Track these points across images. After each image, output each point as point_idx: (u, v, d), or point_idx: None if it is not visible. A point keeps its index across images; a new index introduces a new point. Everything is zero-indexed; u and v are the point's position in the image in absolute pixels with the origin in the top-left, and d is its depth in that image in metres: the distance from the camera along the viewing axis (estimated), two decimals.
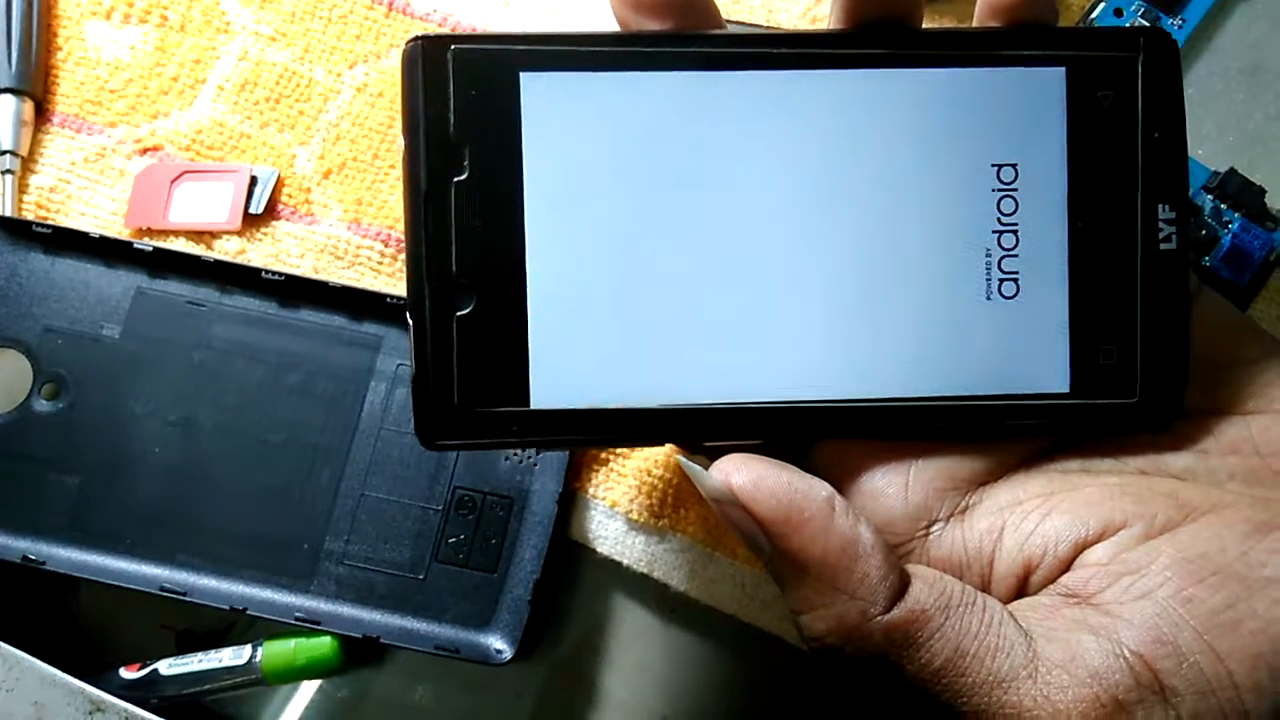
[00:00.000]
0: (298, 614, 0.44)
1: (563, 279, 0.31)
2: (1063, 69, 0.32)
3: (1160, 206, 0.32)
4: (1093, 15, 0.49)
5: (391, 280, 0.48)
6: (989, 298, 0.32)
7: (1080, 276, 0.32)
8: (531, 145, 0.31)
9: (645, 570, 0.46)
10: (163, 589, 0.44)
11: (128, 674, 0.45)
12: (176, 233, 0.48)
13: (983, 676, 0.28)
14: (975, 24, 0.33)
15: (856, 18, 0.32)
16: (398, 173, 0.48)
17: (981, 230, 0.32)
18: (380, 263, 0.48)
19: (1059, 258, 0.32)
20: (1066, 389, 0.32)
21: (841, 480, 0.32)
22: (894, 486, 0.32)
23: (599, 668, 0.47)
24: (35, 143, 0.49)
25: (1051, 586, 0.30)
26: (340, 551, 0.45)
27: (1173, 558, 0.28)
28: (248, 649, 0.45)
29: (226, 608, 0.44)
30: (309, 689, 0.47)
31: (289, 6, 0.50)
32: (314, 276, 0.46)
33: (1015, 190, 0.32)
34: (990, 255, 0.32)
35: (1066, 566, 0.30)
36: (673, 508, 0.46)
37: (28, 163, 0.49)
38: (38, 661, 0.41)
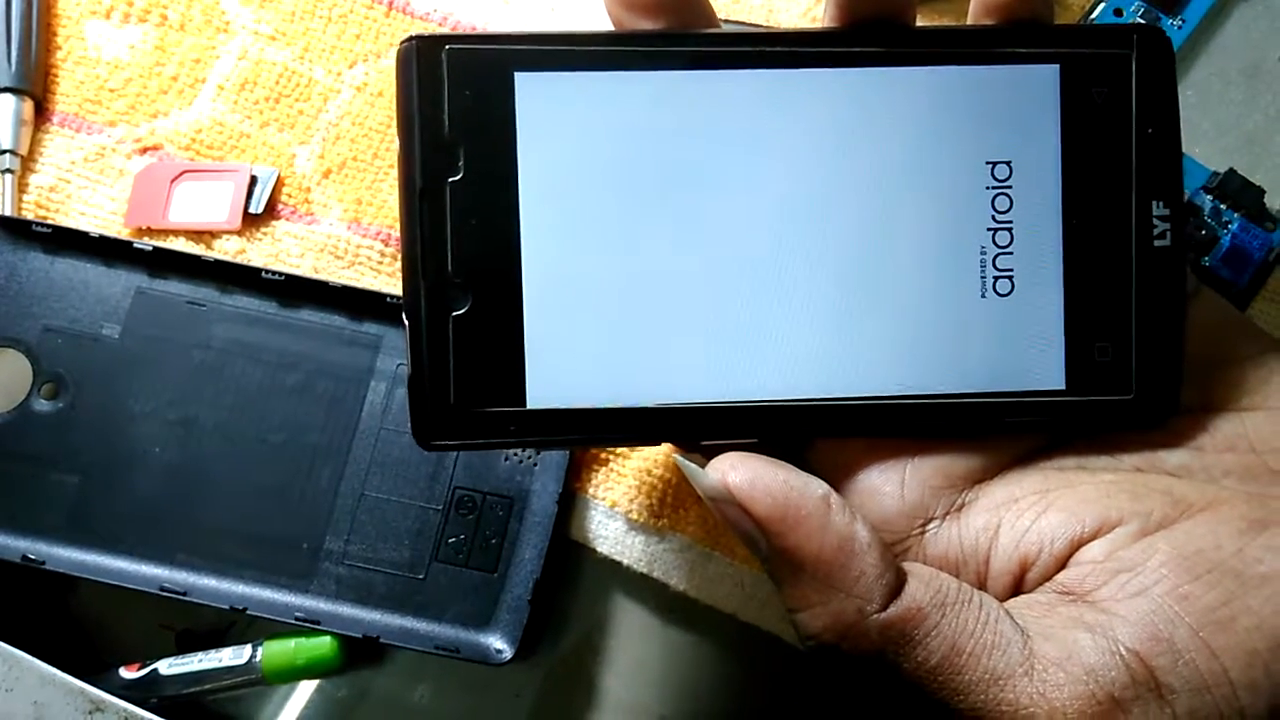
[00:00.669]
0: (298, 614, 0.44)
1: (558, 278, 0.31)
2: (1057, 66, 0.32)
3: (1155, 203, 0.32)
4: (1092, 16, 0.49)
5: (391, 280, 0.48)
6: (984, 295, 0.32)
7: (1075, 274, 0.32)
8: (526, 144, 0.31)
9: (645, 570, 0.46)
10: (162, 589, 0.44)
11: (127, 674, 0.45)
12: (176, 232, 0.48)
13: (979, 674, 0.28)
14: (970, 22, 0.33)
15: (851, 16, 0.32)
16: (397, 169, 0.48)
17: (976, 228, 0.32)
18: (380, 262, 0.48)
19: (1054, 255, 0.32)
20: (1062, 386, 0.32)
21: (838, 478, 0.32)
22: (890, 484, 0.32)
23: (599, 667, 0.47)
24: (35, 142, 0.49)
25: (1048, 584, 0.30)
26: (340, 551, 0.45)
27: (1168, 555, 0.28)
28: (248, 649, 0.45)
29: (226, 607, 0.44)
30: (309, 689, 0.47)
31: (289, 6, 0.50)
32: (314, 276, 0.46)
33: (1010, 188, 0.32)
34: (985, 253, 0.32)
35: (1062, 564, 0.30)
36: (672, 508, 0.46)
37: (27, 162, 0.49)
38: (37, 661, 0.41)
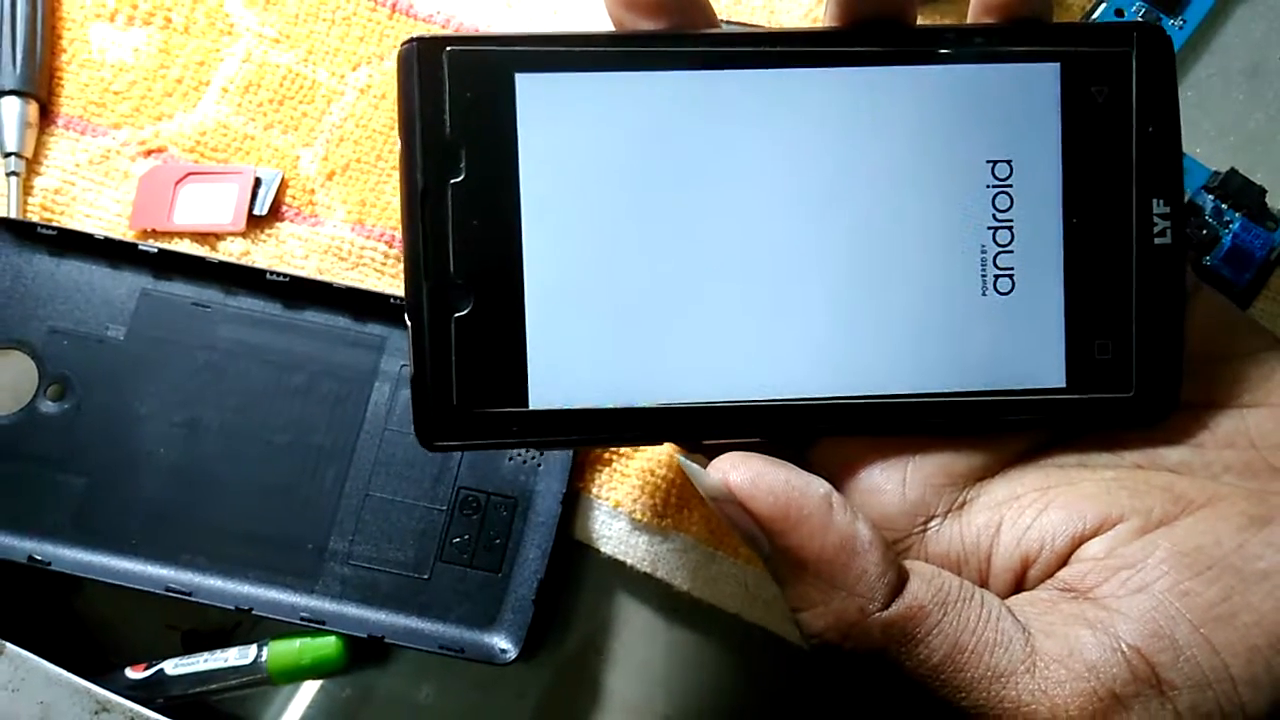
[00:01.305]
0: (303, 614, 0.44)
1: (560, 279, 0.31)
2: (1057, 64, 0.32)
3: (1155, 201, 0.32)
4: (1094, 16, 0.49)
5: (395, 281, 0.48)
6: (984, 294, 0.32)
7: (1075, 272, 0.32)
8: (527, 145, 0.31)
9: (649, 570, 0.46)
10: (168, 589, 0.44)
11: (133, 674, 0.45)
12: (181, 234, 0.48)
13: (981, 671, 0.28)
14: (970, 21, 0.33)
15: (851, 16, 0.32)
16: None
17: (977, 226, 0.32)
18: (384, 264, 0.48)
19: (1054, 253, 0.32)
20: (1063, 384, 0.32)
21: (839, 477, 0.32)
22: (891, 483, 0.32)
23: (603, 667, 0.47)
24: (40, 145, 0.49)
25: (1049, 581, 0.30)
26: (345, 551, 0.45)
27: (1169, 551, 0.29)
28: (253, 649, 0.45)
29: (232, 608, 0.44)
30: (314, 688, 0.47)
31: (292, 8, 0.51)
32: (318, 278, 0.46)
33: (1010, 186, 0.32)
34: (985, 251, 0.32)
35: (1064, 561, 0.30)
36: (676, 508, 0.46)
37: (33, 164, 0.49)
38: (43, 661, 0.41)
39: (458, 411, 0.31)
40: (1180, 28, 0.49)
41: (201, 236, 0.48)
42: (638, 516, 0.46)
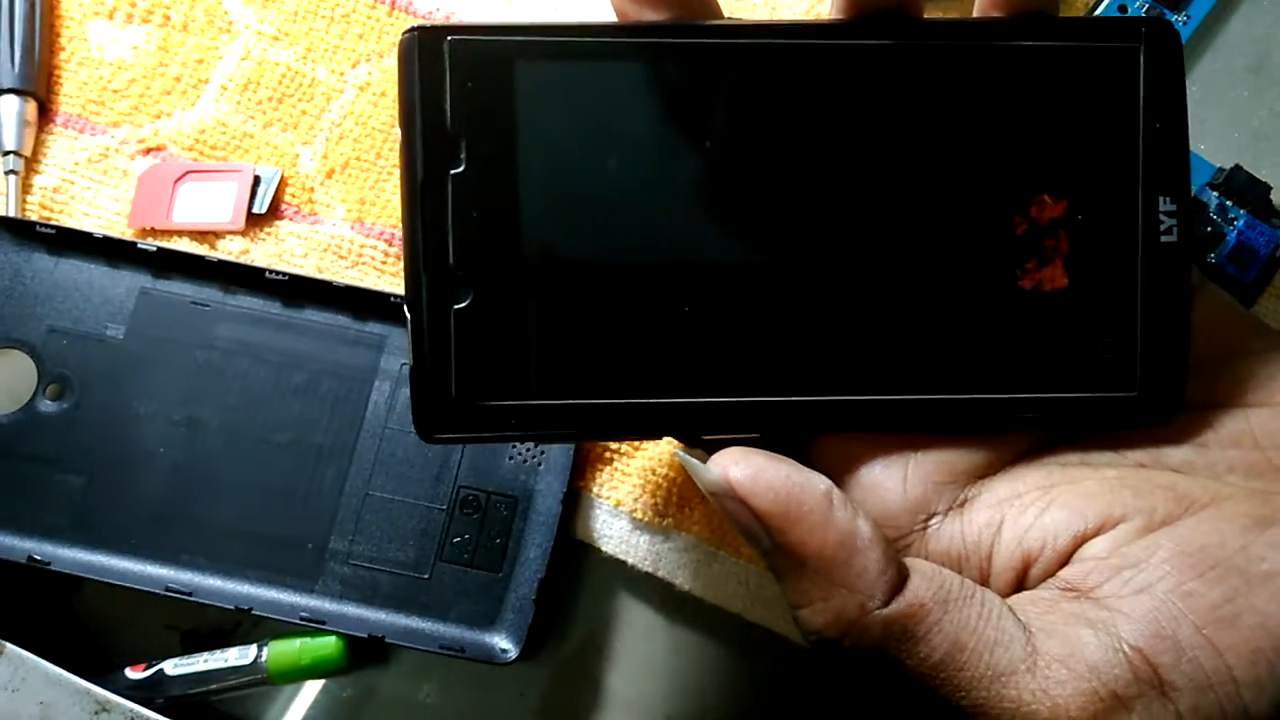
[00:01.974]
0: (303, 614, 0.44)
1: (560, 271, 0.31)
2: (1063, 60, 0.32)
3: (1161, 199, 0.32)
4: (1097, 11, 0.49)
5: (395, 279, 0.48)
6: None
7: (1080, 269, 0.32)
8: (528, 136, 0.31)
9: (650, 569, 0.46)
10: (168, 589, 0.44)
11: (133, 674, 0.45)
12: (180, 233, 0.48)
13: (981, 670, 0.27)
14: (976, 14, 0.33)
15: (858, 9, 0.32)
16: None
17: (986, 227, 0.32)
18: (384, 262, 0.48)
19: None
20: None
21: (840, 473, 0.32)
22: (892, 480, 0.32)
23: (603, 667, 0.47)
24: (39, 143, 0.49)
25: (1051, 580, 0.30)
26: (345, 551, 0.45)
27: (1172, 552, 0.28)
28: (253, 649, 0.45)
29: (232, 607, 0.44)
30: (314, 688, 0.47)
31: (291, 6, 0.50)
32: (318, 276, 0.46)
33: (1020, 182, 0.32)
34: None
35: (1065, 560, 0.30)
36: (677, 506, 0.46)
37: (31, 163, 0.49)
38: (43, 661, 0.41)
39: (457, 404, 0.31)
40: (1184, 23, 0.49)
41: (201, 235, 0.48)
42: (639, 515, 0.46)
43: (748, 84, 0.31)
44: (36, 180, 0.49)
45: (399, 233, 0.48)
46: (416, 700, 0.47)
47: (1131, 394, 0.32)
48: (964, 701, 0.28)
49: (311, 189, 0.49)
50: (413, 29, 0.31)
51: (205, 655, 0.45)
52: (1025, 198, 0.32)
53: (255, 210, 0.48)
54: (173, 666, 0.45)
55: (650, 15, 0.32)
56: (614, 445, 0.46)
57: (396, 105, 0.32)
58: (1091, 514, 0.30)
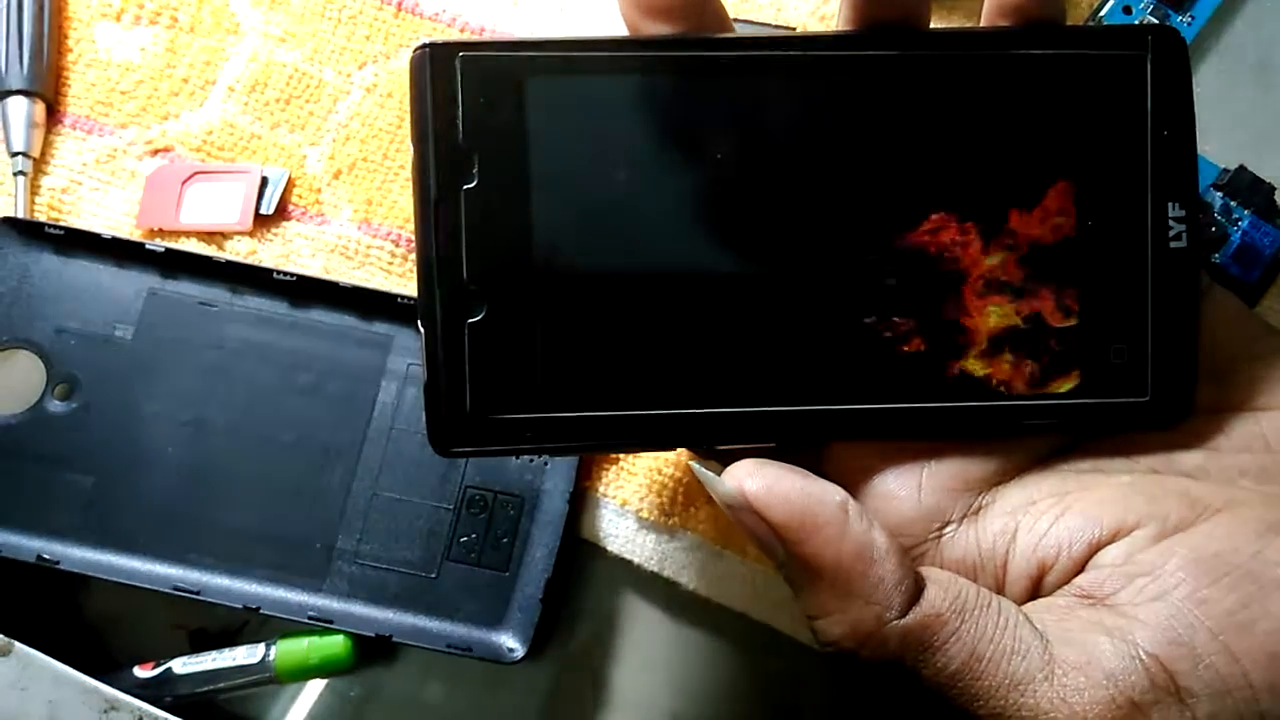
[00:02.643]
0: (311, 613, 0.44)
1: (573, 284, 0.31)
2: (1072, 68, 0.32)
3: (1170, 205, 0.32)
4: (1101, 12, 0.49)
5: (402, 280, 0.48)
6: None
7: (1090, 276, 0.32)
8: (540, 151, 0.31)
9: (656, 568, 0.46)
10: (176, 588, 0.44)
11: (141, 673, 0.45)
12: (188, 233, 0.48)
13: (999, 679, 0.28)
14: (983, 24, 0.33)
15: (865, 19, 0.32)
16: (408, 173, 0.48)
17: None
18: (391, 263, 0.48)
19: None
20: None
21: (854, 483, 0.32)
22: (907, 489, 0.32)
23: (610, 666, 0.47)
24: (47, 144, 0.49)
25: (1066, 587, 0.30)
26: (352, 550, 0.45)
27: (1186, 558, 0.28)
28: (261, 648, 0.45)
29: (239, 607, 0.44)
30: (321, 687, 0.47)
31: (298, 7, 0.50)
32: (325, 277, 0.46)
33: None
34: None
35: (1081, 567, 0.30)
36: (683, 506, 0.46)
37: (40, 164, 0.49)
38: (52, 660, 0.41)
39: (472, 418, 0.31)
40: (1188, 24, 0.49)
41: (208, 236, 0.48)
42: (645, 515, 0.46)
43: (759, 97, 0.32)
44: (45, 181, 0.49)
45: (406, 233, 0.48)
46: (424, 699, 0.47)
47: (1143, 399, 0.32)
48: (982, 710, 0.28)
49: (318, 190, 0.49)
50: (424, 45, 0.31)
51: (213, 654, 0.46)
52: (1034, 205, 0.32)
53: (263, 211, 0.48)
54: (181, 665, 0.45)
55: (661, 29, 0.32)
56: None
57: (409, 120, 0.32)
58: (1106, 521, 0.30)
